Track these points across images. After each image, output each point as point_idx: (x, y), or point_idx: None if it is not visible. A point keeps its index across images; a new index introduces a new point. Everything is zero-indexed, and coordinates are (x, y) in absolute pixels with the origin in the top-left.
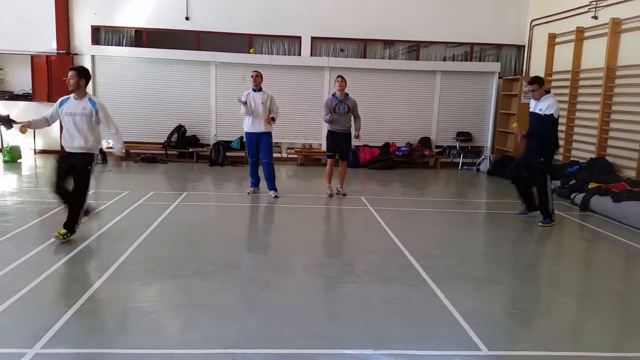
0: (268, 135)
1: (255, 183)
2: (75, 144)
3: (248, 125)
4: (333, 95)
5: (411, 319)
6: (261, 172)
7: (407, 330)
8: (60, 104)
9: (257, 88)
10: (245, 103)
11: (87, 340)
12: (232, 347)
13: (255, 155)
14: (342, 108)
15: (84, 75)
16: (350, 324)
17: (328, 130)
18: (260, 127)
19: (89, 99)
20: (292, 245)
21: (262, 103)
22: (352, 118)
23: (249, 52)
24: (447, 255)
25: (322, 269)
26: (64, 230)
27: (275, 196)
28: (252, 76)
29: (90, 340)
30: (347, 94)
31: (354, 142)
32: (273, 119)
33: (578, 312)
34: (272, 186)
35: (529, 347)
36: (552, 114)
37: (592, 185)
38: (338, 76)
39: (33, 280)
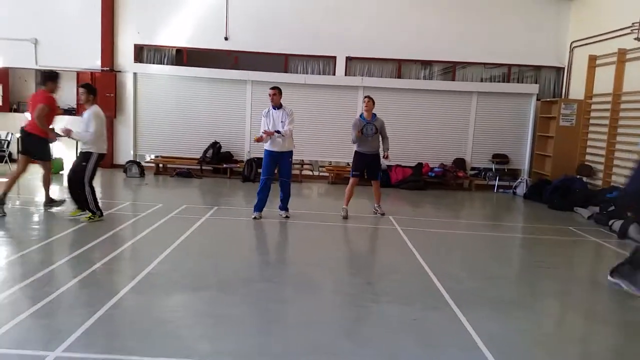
0: (289, 153)
1: (262, 207)
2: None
3: (269, 144)
4: (360, 116)
5: (428, 341)
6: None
7: (422, 352)
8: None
9: (276, 105)
10: (260, 139)
11: (106, 346)
12: (243, 359)
13: (271, 173)
14: (370, 130)
15: (92, 91)
16: (364, 343)
17: (356, 152)
18: (282, 146)
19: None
20: (314, 262)
21: (282, 122)
22: (381, 138)
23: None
24: (472, 278)
25: (343, 286)
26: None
27: (286, 216)
28: (269, 95)
29: (110, 346)
30: (374, 115)
31: (386, 162)
32: (278, 132)
33: (604, 341)
34: (285, 206)
35: None
36: None
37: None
38: (365, 96)
39: (62, 286)
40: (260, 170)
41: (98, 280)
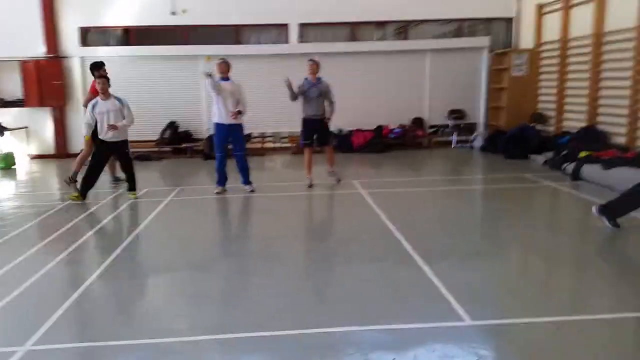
0: (240, 126)
1: (224, 181)
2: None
3: (218, 116)
4: (305, 79)
5: (397, 295)
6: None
7: (392, 306)
8: (93, 107)
9: (225, 77)
10: (210, 75)
11: (78, 335)
12: (218, 333)
13: (225, 149)
14: (313, 92)
15: (108, 80)
16: (336, 304)
17: (302, 118)
18: (232, 119)
19: (116, 97)
20: (282, 232)
21: (232, 93)
22: (325, 103)
23: (206, 61)
24: (436, 232)
25: (311, 252)
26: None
27: (251, 190)
28: (217, 64)
29: (82, 334)
30: (319, 78)
31: (347, 127)
32: (240, 113)
33: (563, 279)
34: (247, 180)
35: (512, 315)
36: None
37: (582, 154)
38: (309, 59)
39: (26, 281)
40: None
41: (63, 272)
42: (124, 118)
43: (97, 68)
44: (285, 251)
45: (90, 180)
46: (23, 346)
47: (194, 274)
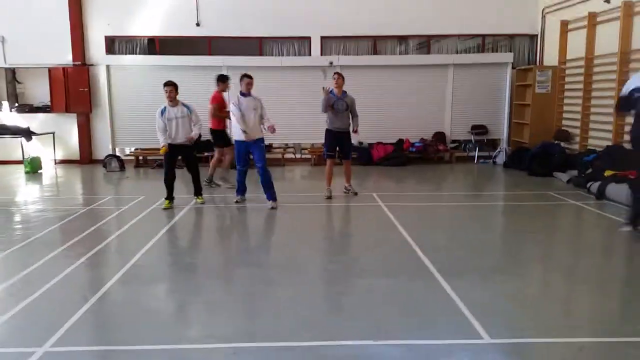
0: (261, 140)
1: (243, 190)
2: (179, 139)
3: (239, 134)
4: (331, 92)
5: (414, 310)
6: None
7: (408, 321)
8: (162, 114)
9: (247, 93)
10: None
11: (95, 338)
12: (233, 341)
13: (245, 164)
14: (341, 105)
15: (176, 88)
16: (352, 317)
17: (327, 129)
18: (253, 134)
19: (184, 104)
20: (300, 242)
21: (254, 109)
22: (351, 116)
23: None
24: (456, 248)
25: (329, 264)
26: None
27: (272, 207)
28: (246, 83)
29: (99, 338)
30: (345, 92)
31: (356, 137)
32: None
33: (586, 301)
34: (272, 196)
35: (532, 334)
36: None
37: (608, 173)
38: (335, 73)
39: (47, 283)
40: None
41: (84, 274)
42: (191, 123)
43: (223, 81)
44: (304, 262)
45: (168, 184)
46: (42, 347)
47: (210, 283)
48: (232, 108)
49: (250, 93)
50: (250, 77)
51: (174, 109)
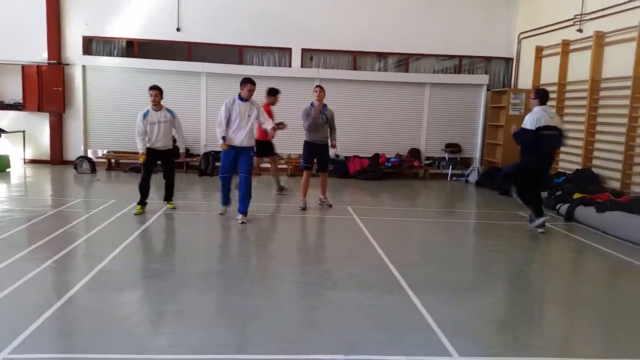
0: (251, 149)
1: (228, 201)
2: (159, 144)
3: (230, 138)
4: (311, 104)
5: (385, 325)
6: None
7: (379, 336)
8: (144, 117)
9: (246, 99)
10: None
11: (57, 345)
12: (200, 352)
13: (230, 171)
14: (321, 118)
15: (161, 92)
16: (322, 330)
17: (305, 141)
18: (243, 141)
19: (167, 109)
20: (272, 253)
21: (248, 116)
22: (329, 130)
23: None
24: (427, 264)
25: (301, 276)
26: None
27: (242, 222)
28: (249, 90)
29: (61, 345)
30: (325, 105)
31: (333, 151)
32: (280, 125)
33: (555, 319)
34: (244, 209)
35: (501, 352)
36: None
37: (577, 195)
38: (316, 86)
39: (10, 286)
40: (218, 164)
41: (47, 280)
42: (172, 129)
43: (273, 94)
44: (276, 273)
45: (143, 190)
46: (0, 353)
47: (179, 291)
48: (221, 110)
49: (249, 99)
50: (253, 82)
51: (157, 113)
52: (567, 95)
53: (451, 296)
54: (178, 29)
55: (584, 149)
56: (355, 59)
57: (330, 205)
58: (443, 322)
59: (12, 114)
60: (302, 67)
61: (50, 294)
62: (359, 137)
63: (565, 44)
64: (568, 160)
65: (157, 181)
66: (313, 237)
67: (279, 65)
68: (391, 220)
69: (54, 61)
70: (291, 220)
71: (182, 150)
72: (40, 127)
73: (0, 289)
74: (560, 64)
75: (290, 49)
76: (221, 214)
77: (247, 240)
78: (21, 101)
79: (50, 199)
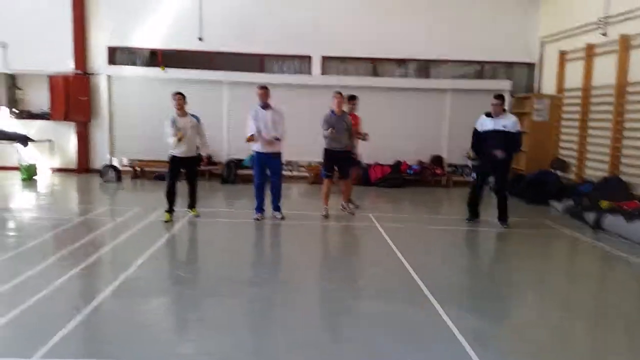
0: (280, 154)
1: (263, 208)
2: (184, 149)
3: (259, 146)
4: (331, 111)
5: (408, 336)
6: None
7: (403, 347)
8: (173, 123)
9: (265, 105)
10: (252, 139)
11: (85, 351)
12: (226, 359)
13: (264, 177)
14: (340, 125)
15: (184, 97)
16: (345, 339)
17: (325, 149)
18: (272, 147)
19: (192, 115)
20: (295, 261)
21: (273, 122)
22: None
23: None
24: (451, 273)
25: (324, 284)
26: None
27: (282, 217)
28: (258, 94)
29: (89, 351)
30: (344, 112)
31: (366, 160)
32: (277, 139)
33: (582, 331)
34: (277, 206)
35: None
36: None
37: (604, 204)
38: (336, 92)
39: (39, 293)
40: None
41: (75, 287)
42: (199, 134)
43: (351, 100)
44: (300, 282)
45: (170, 197)
46: (30, 359)
47: (204, 298)
48: (249, 120)
49: (270, 105)
50: (263, 87)
51: (183, 119)
52: (593, 100)
53: (475, 306)
54: (200, 39)
55: (610, 155)
56: (375, 65)
57: (353, 213)
58: (467, 332)
59: (39, 123)
60: (322, 74)
61: (77, 301)
62: (381, 145)
63: (590, 47)
64: (594, 167)
65: (181, 190)
66: (335, 245)
67: (300, 73)
68: (414, 227)
69: (80, 71)
70: (312, 228)
71: (205, 155)
72: (66, 136)
73: (29, 296)
74: (584, 69)
75: (310, 57)
76: (256, 219)
77: (269, 248)
78: (48, 111)
79: (77, 207)
